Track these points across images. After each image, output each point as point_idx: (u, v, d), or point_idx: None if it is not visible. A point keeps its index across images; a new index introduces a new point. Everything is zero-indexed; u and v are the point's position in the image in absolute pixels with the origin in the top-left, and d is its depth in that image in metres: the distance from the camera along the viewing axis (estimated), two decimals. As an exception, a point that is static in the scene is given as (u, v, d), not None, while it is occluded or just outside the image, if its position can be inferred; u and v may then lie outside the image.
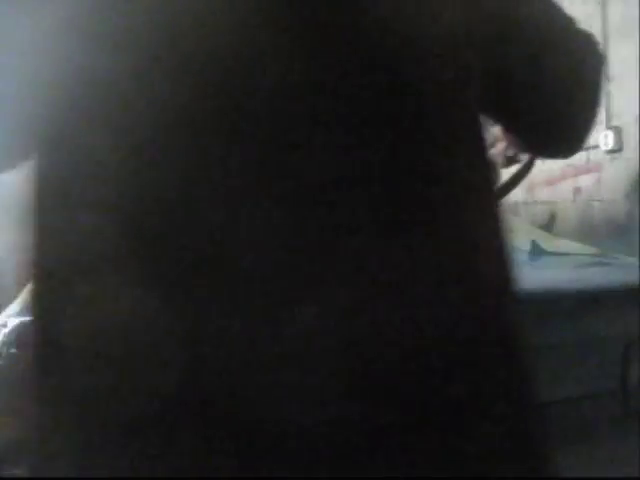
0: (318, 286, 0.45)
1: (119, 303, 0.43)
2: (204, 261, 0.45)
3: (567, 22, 0.66)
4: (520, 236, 2.19)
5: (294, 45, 0.47)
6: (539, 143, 0.71)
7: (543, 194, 4.47)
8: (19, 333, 1.29)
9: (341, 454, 0.44)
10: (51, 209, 0.48)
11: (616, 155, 3.63)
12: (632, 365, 1.48)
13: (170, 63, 0.45)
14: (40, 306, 0.49)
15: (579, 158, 3.98)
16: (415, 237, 0.47)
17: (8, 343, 1.29)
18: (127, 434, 0.44)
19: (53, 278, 0.48)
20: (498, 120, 0.66)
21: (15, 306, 1.49)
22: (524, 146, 0.78)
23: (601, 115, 3.69)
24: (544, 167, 4.43)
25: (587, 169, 3.93)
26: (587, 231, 3.86)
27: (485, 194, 0.55)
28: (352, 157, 0.47)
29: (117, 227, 0.44)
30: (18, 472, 1.27)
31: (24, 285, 1.74)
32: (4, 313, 1.41)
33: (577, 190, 4.04)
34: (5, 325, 1.32)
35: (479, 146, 0.54)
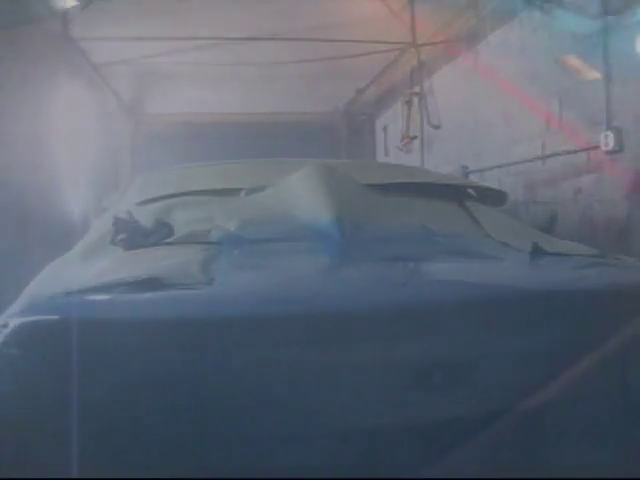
0: None
1: None
2: None
3: None
4: (520, 236, 2.19)
5: None
6: None
7: (543, 194, 4.47)
8: (19, 333, 1.29)
9: None
10: None
11: (616, 155, 3.63)
12: (632, 365, 1.48)
13: None
14: None
15: (579, 158, 3.98)
16: None
17: (8, 343, 1.28)
18: None
19: None
20: None
21: (15, 306, 1.49)
22: None
23: (601, 115, 3.69)
24: (544, 167, 4.43)
25: (587, 169, 3.93)
26: (587, 231, 3.86)
27: None
28: None
29: None
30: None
31: (24, 285, 1.74)
32: (4, 313, 1.41)
33: (577, 190, 4.04)
34: (5, 325, 1.32)
35: None
